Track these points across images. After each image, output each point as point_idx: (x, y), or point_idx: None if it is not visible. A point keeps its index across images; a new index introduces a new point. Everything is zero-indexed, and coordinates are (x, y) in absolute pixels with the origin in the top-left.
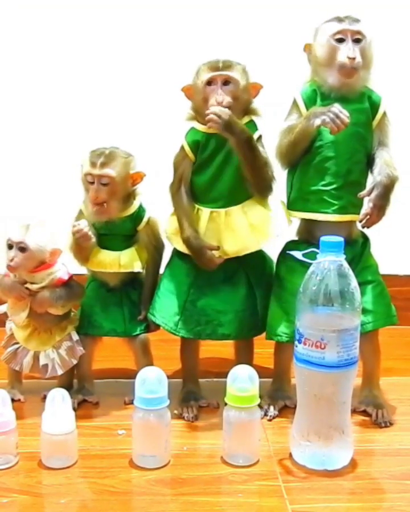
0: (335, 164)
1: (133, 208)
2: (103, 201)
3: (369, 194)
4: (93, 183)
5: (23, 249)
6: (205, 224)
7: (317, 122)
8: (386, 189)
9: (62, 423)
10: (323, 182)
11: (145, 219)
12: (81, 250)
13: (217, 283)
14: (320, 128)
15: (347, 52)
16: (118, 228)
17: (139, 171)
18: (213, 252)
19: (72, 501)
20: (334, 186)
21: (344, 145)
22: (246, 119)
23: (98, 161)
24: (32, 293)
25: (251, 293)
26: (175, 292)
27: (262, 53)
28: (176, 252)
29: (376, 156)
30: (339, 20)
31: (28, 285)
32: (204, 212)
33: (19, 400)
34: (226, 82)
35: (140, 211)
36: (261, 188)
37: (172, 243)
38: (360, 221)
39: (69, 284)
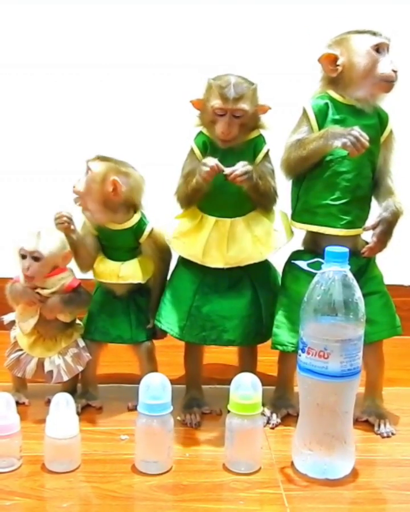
0: (345, 179)
1: (133, 221)
2: (78, 193)
3: (373, 228)
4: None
5: (36, 258)
6: (209, 233)
7: (337, 143)
8: (391, 226)
9: (66, 427)
10: (333, 197)
11: (146, 232)
12: (74, 249)
13: (222, 289)
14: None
15: (390, 64)
16: (119, 240)
17: (115, 178)
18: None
19: (74, 505)
20: (343, 201)
21: (354, 160)
22: (255, 134)
23: (96, 155)
24: (42, 299)
25: (256, 300)
26: (181, 298)
27: (268, 62)
28: (181, 259)
29: (381, 183)
30: (373, 33)
31: (38, 291)
32: (209, 220)
33: (24, 403)
34: (236, 114)
35: (141, 224)
36: (264, 204)
37: (173, 247)
38: (362, 253)
39: (78, 291)
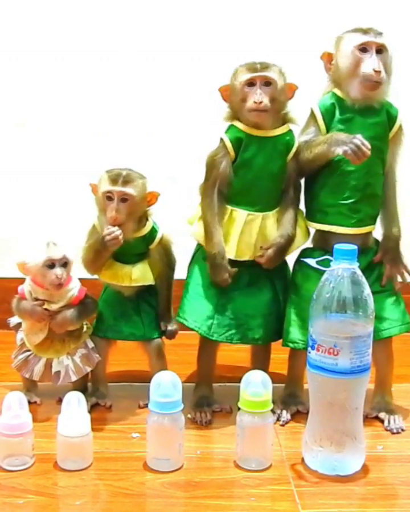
0: (354, 178)
1: (146, 229)
2: (121, 222)
3: (380, 259)
4: (111, 200)
5: (65, 264)
6: (241, 227)
7: (338, 150)
8: (397, 251)
9: (78, 426)
10: (343, 196)
11: (157, 238)
12: (99, 258)
13: (243, 287)
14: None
15: (372, 63)
16: (131, 247)
17: (153, 191)
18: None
19: (87, 503)
20: (353, 200)
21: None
22: (285, 129)
23: (120, 179)
24: (51, 314)
25: (275, 298)
26: (205, 295)
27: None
28: (200, 255)
29: (387, 181)
30: (364, 31)
31: (46, 306)
32: (240, 214)
33: (35, 402)
34: (265, 83)
35: (153, 232)
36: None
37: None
38: (383, 284)
39: (85, 302)
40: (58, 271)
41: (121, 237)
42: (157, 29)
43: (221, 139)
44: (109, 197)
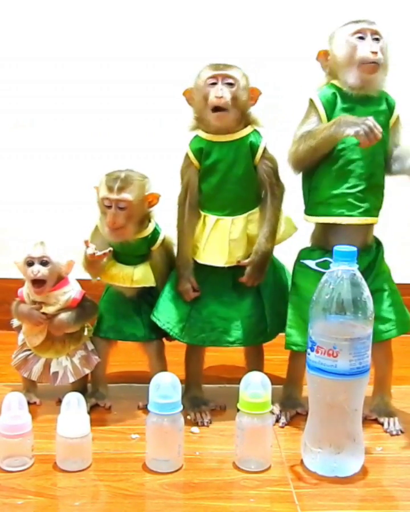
0: (359, 167)
1: (148, 230)
2: (121, 226)
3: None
4: (110, 207)
5: (45, 263)
6: (209, 232)
7: (349, 131)
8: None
9: (77, 427)
10: (348, 185)
11: (160, 240)
12: (94, 266)
13: (224, 289)
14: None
15: (368, 47)
16: (133, 249)
17: (154, 192)
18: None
19: (86, 503)
20: (359, 188)
21: (367, 148)
22: (248, 130)
23: (115, 186)
24: (48, 317)
25: (258, 300)
26: (181, 297)
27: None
28: None
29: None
30: (356, 21)
31: (44, 310)
32: (210, 219)
33: (35, 403)
34: (228, 82)
35: (155, 233)
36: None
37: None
38: None
39: (83, 304)
40: (35, 268)
41: (100, 253)
42: (166, 32)
43: (186, 152)
44: (106, 203)
